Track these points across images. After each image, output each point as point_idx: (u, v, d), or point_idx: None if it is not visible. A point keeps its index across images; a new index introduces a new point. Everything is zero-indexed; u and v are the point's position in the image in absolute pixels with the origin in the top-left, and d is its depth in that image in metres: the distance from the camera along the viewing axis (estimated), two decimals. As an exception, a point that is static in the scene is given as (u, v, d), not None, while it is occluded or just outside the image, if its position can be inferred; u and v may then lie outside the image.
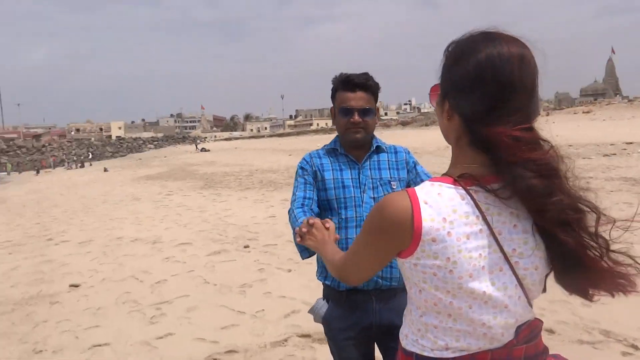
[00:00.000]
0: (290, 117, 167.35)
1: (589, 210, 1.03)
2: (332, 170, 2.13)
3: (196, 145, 64.11)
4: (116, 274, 6.38)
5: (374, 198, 2.09)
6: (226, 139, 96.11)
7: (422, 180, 2.04)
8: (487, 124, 1.04)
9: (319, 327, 2.26)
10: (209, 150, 51.08)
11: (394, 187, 2.11)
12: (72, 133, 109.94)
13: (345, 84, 2.09)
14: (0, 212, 15.09)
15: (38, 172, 47.98)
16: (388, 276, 2.03)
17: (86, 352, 4.05)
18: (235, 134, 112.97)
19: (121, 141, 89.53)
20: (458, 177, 1.08)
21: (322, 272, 2.15)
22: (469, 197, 1.05)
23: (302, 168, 2.17)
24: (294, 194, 2.12)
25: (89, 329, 4.55)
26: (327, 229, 1.55)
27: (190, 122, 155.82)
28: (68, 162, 54.01)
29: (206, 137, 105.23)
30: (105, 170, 32.12)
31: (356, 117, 2.06)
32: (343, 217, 2.08)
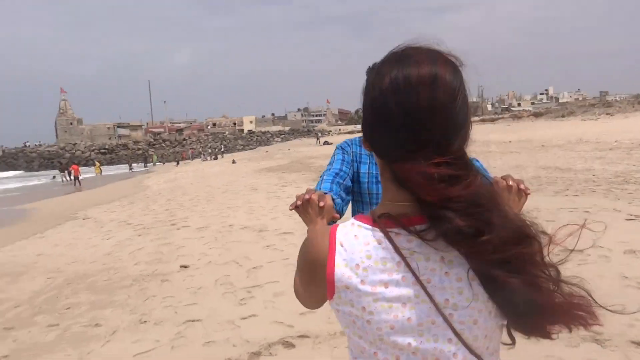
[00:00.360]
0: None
1: (534, 237, 0.90)
2: (369, 163, 2.08)
3: (317, 139, 65.87)
4: (221, 258, 6.93)
5: None
6: (349, 132, 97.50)
7: None
8: (396, 160, 0.92)
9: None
10: (331, 144, 52.25)
11: None
12: (209, 127, 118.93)
13: None
14: (140, 198, 17.00)
15: (178, 163, 52.86)
16: None
17: (181, 325, 4.52)
18: (359, 126, 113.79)
19: (251, 135, 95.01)
20: (378, 217, 0.96)
21: None
22: (386, 241, 0.93)
23: (342, 148, 2.12)
24: (330, 164, 2.05)
25: (187, 306, 5.05)
26: (322, 207, 1.27)
27: (316, 115, 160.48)
28: (204, 155, 58.54)
29: (330, 131, 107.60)
30: (234, 162, 34.40)
31: None
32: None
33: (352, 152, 2.11)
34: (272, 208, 11.08)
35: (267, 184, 16.64)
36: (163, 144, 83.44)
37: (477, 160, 2.03)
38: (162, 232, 9.45)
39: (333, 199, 1.73)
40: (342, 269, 0.95)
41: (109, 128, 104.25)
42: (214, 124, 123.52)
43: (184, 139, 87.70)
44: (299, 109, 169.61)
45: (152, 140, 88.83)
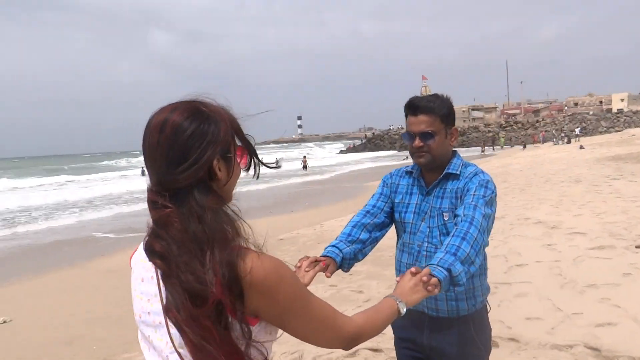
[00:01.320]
0: None
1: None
2: (404, 193, 2.20)
3: None
4: (491, 251, 7.05)
5: (429, 227, 2.07)
6: None
7: (457, 213, 1.94)
8: None
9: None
10: None
11: (446, 218, 2.03)
12: (566, 108, 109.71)
13: (408, 108, 2.08)
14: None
15: (524, 147, 50.84)
16: (433, 307, 2.09)
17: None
18: None
19: (618, 115, 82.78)
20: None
21: None
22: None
23: (384, 181, 2.29)
24: (372, 196, 2.27)
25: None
26: (298, 267, 1.81)
27: None
28: (556, 138, 54.01)
29: None
30: (581, 147, 31.31)
31: (417, 142, 2.04)
32: (401, 240, 2.19)
33: (391, 183, 2.25)
34: (584, 204, 10.13)
35: (595, 176, 14.90)
36: (514, 126, 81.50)
37: (480, 173, 2.04)
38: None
39: (335, 253, 1.99)
40: (133, 260, 1.21)
41: (464, 111, 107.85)
42: (576, 104, 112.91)
43: (537, 121, 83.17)
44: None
45: (503, 122, 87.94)
